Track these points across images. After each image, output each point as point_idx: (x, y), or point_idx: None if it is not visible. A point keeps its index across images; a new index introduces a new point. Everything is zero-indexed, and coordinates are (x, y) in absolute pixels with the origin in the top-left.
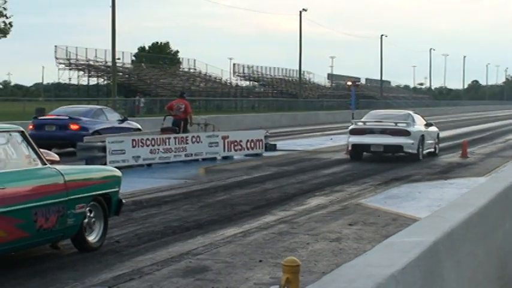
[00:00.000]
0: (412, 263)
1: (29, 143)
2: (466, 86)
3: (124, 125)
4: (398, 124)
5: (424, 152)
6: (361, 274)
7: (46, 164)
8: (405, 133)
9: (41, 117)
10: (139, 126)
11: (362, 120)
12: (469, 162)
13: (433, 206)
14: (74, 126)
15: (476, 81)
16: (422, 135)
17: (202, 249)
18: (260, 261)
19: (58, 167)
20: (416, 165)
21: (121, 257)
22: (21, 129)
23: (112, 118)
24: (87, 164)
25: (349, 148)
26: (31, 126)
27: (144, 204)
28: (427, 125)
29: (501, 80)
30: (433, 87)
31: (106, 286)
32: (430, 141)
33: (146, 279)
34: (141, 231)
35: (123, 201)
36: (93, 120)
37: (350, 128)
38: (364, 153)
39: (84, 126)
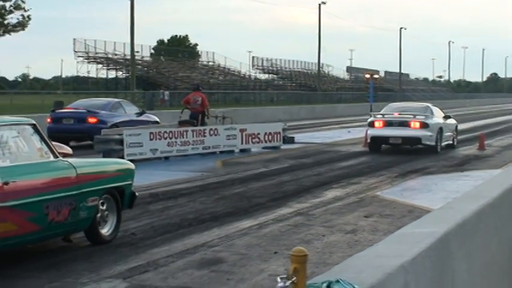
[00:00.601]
0: (422, 253)
1: (40, 136)
2: (485, 79)
3: (142, 118)
4: (417, 116)
5: (442, 144)
6: (370, 265)
7: (58, 157)
8: (424, 125)
9: (59, 111)
10: (158, 119)
11: (381, 112)
12: (486, 154)
13: (449, 198)
14: (92, 120)
15: (495, 74)
16: (441, 128)
17: (218, 241)
18: (275, 253)
19: (70, 160)
20: (433, 158)
21: (136, 249)
22: (33, 122)
23: (130, 111)
24: (104, 157)
25: (368, 140)
26: (49, 120)
27: (160, 196)
28: (446, 117)
29: None
30: (452, 80)
31: (121, 278)
32: (448, 134)
33: (161, 271)
34: (157, 223)
35: (137, 194)
36: (111, 114)
37: (369, 120)
38: (383, 145)
39: (102, 119)
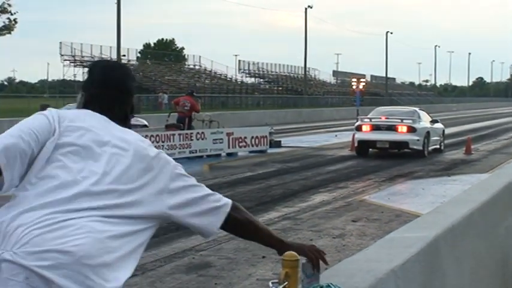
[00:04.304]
0: (412, 258)
1: None
2: (470, 83)
3: (131, 121)
4: (404, 121)
5: (430, 148)
6: (361, 269)
7: None
8: (411, 130)
9: None
10: (146, 123)
11: (368, 116)
12: (473, 158)
13: (436, 202)
14: None
15: (481, 78)
16: (428, 132)
17: (206, 246)
18: (263, 257)
19: None
20: (420, 162)
21: None
22: None
23: None
24: None
25: (355, 144)
26: None
27: None
28: (433, 121)
29: (506, 77)
30: (438, 84)
31: None
32: (435, 138)
33: (149, 275)
34: None
35: None
36: None
37: (356, 124)
38: (370, 149)
39: None
